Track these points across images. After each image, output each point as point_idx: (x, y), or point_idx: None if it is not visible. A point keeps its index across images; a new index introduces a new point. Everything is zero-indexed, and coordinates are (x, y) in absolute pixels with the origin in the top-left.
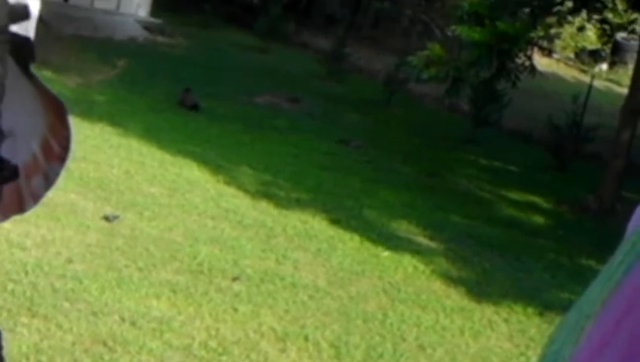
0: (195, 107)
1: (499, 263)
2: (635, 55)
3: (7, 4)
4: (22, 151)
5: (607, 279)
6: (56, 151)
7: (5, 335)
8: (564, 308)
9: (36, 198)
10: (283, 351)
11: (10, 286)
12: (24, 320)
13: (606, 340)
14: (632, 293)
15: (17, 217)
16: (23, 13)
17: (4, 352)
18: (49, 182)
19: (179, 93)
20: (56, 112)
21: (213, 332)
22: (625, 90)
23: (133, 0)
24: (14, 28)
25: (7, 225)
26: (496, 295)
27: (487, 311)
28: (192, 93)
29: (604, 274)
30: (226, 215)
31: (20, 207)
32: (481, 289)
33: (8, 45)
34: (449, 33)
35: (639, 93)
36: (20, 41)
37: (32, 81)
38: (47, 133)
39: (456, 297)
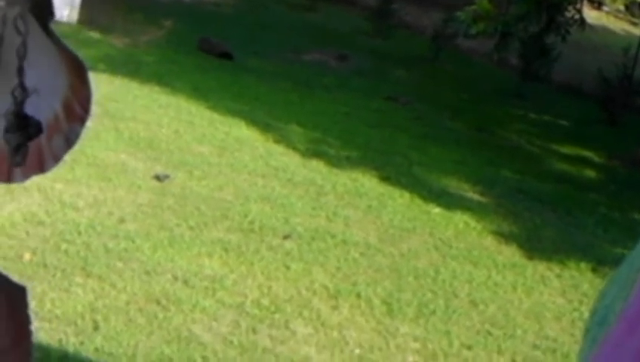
0: (226, 55)
1: (550, 218)
2: None
3: None
4: (45, 109)
5: None
6: (77, 111)
7: (30, 292)
8: (616, 262)
9: (57, 158)
10: (335, 308)
11: (63, 246)
12: (78, 279)
13: None
14: None
15: (69, 178)
16: None
17: (30, 310)
18: (69, 142)
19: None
20: (78, 72)
21: (265, 290)
22: None
23: None
24: None
25: (59, 185)
26: (548, 250)
27: (540, 266)
28: (215, 40)
29: None
30: (275, 173)
31: (41, 167)
32: (532, 244)
33: (29, 3)
34: None
35: None
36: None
37: (52, 39)
38: (68, 92)
39: (507, 253)
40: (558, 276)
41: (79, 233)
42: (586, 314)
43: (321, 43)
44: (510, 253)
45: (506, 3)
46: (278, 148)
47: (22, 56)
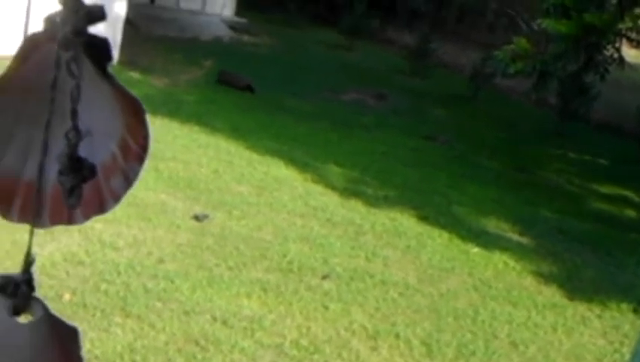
0: (248, 88)
1: (590, 258)
2: None
3: (84, 6)
4: (101, 151)
5: None
6: (134, 150)
7: (82, 334)
8: None
9: (116, 198)
10: (374, 349)
11: (103, 286)
12: (118, 319)
13: None
14: None
15: (109, 218)
16: (99, 15)
17: (83, 352)
18: (128, 182)
19: (266, 93)
20: (134, 112)
21: (304, 331)
22: None
23: (218, 0)
24: (97, 29)
25: (99, 225)
26: (588, 291)
27: (580, 307)
28: (235, 73)
29: None
30: (314, 213)
31: (101, 208)
32: (573, 285)
33: (84, 46)
34: (535, 26)
35: None
36: (98, 42)
37: (109, 82)
38: (125, 132)
39: (547, 293)
40: (599, 317)
41: (119, 273)
42: (627, 356)
43: (359, 82)
44: (550, 294)
45: (544, 42)
46: (317, 188)
47: (75, 99)
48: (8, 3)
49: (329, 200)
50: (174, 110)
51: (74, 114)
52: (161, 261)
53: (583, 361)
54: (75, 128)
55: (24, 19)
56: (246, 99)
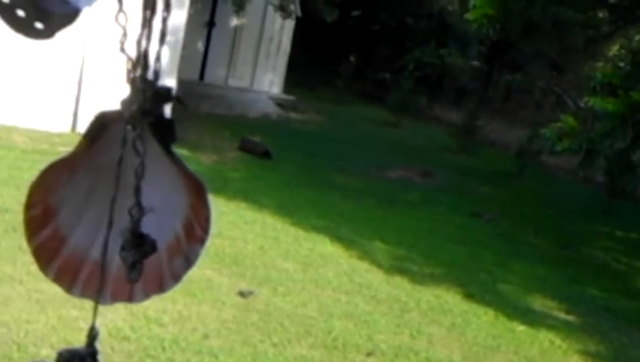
0: (266, 154)
1: (638, 337)
2: None
3: (152, 87)
4: (166, 230)
5: None
6: (197, 232)
7: None
8: None
9: (177, 278)
10: None
11: None
12: None
13: None
14: None
15: None
16: (166, 96)
17: None
18: (189, 263)
19: (313, 170)
20: (197, 192)
21: None
22: None
23: (266, 77)
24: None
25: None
26: None
27: None
28: (253, 139)
29: None
30: (359, 290)
31: (161, 287)
32: None
33: (151, 126)
34: (582, 104)
35: None
36: (164, 122)
37: (174, 161)
38: (189, 213)
39: None
40: None
41: (163, 349)
42: None
43: (406, 159)
44: None
45: (591, 120)
46: (362, 265)
47: (139, 176)
48: (60, 82)
49: (374, 277)
50: (221, 187)
51: (137, 190)
52: (205, 337)
53: None
54: (139, 204)
55: (75, 98)
56: (293, 176)
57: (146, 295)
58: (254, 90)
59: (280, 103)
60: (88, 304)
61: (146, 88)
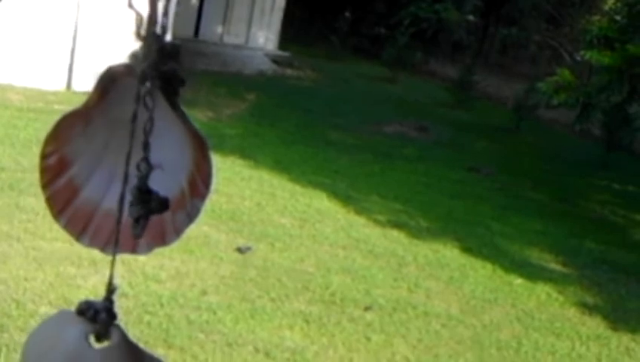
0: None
1: (635, 289)
2: None
3: (158, 42)
4: (173, 184)
5: None
6: (200, 187)
7: None
8: None
9: (178, 233)
10: None
11: (146, 318)
12: (160, 351)
13: None
14: None
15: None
16: (173, 51)
17: None
18: (190, 218)
19: (309, 126)
20: (200, 148)
21: None
22: None
23: (261, 34)
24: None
25: (142, 258)
26: (633, 322)
27: (624, 338)
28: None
29: None
30: (357, 245)
31: (163, 240)
32: (617, 316)
33: (158, 81)
34: (578, 58)
35: None
36: (170, 76)
37: (179, 116)
38: (193, 168)
39: (591, 324)
40: None
41: (161, 305)
42: None
43: (402, 114)
44: (594, 325)
45: (587, 73)
46: (360, 220)
47: (148, 132)
48: (55, 40)
49: (371, 232)
50: (217, 144)
51: (146, 146)
52: (203, 293)
53: None
54: (146, 160)
55: (69, 57)
56: (289, 133)
57: (150, 248)
58: (249, 46)
59: (275, 60)
60: (86, 261)
61: (153, 44)
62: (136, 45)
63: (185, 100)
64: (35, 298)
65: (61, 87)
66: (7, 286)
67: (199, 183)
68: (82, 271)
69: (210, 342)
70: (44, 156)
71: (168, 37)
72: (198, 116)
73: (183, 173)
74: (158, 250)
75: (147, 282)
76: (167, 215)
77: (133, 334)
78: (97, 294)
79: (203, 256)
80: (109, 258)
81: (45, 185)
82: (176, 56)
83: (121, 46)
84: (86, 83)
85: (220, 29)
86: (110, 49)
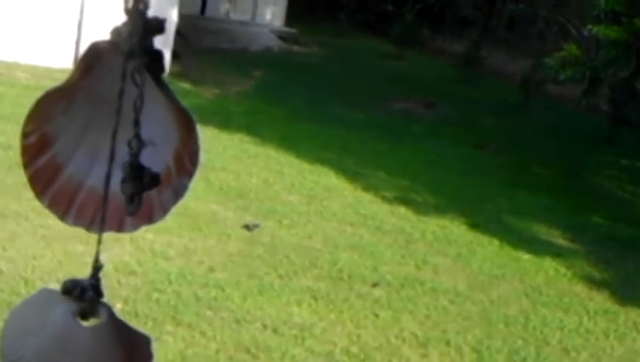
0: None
1: None
2: None
3: (144, 18)
4: (159, 162)
5: None
6: (186, 165)
7: (154, 344)
8: None
9: (165, 211)
10: (425, 356)
11: (154, 295)
12: (169, 328)
13: None
14: None
15: (160, 227)
16: (158, 28)
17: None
18: (177, 196)
19: (316, 103)
20: (187, 125)
21: (354, 338)
22: None
23: (268, 10)
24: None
25: (150, 235)
26: None
27: (632, 313)
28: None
29: None
30: (364, 221)
31: (150, 218)
32: (624, 291)
33: (146, 57)
34: (585, 33)
35: None
36: (153, 53)
37: (164, 93)
38: (179, 145)
39: (599, 299)
40: None
41: (170, 282)
42: None
43: (409, 91)
44: (602, 300)
45: (595, 48)
46: (367, 197)
47: (138, 109)
48: (61, 17)
49: (379, 208)
50: (224, 121)
51: (136, 123)
52: (211, 270)
53: None
54: (137, 137)
55: (76, 34)
56: (296, 110)
57: (135, 226)
58: (256, 23)
59: (282, 36)
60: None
61: (139, 19)
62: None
63: (192, 77)
64: (43, 276)
65: (68, 64)
66: (15, 264)
67: (186, 160)
68: (90, 249)
69: (218, 319)
70: (24, 135)
71: (174, 14)
72: (205, 94)
73: (169, 151)
74: (167, 228)
75: (155, 259)
76: (153, 193)
77: (141, 311)
78: (105, 271)
79: (211, 234)
80: (117, 236)
81: (27, 164)
82: (161, 31)
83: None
84: None
85: (226, 6)
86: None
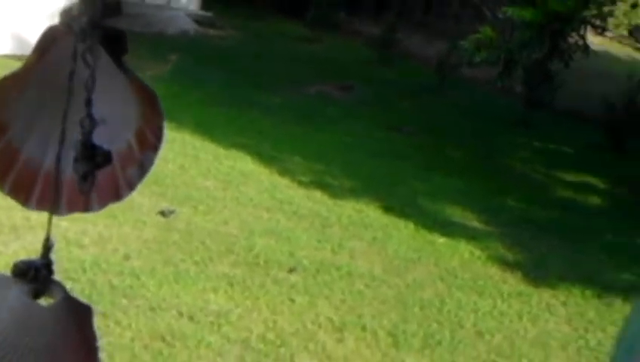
0: None
1: (556, 246)
2: None
3: None
4: (118, 140)
5: None
6: (150, 139)
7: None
8: (623, 289)
9: (131, 186)
10: (340, 341)
11: (68, 284)
12: None
13: None
14: None
15: (74, 215)
16: (115, 8)
17: (95, 329)
18: (143, 170)
19: (232, 87)
20: (149, 102)
21: (270, 325)
22: None
23: None
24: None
25: (64, 222)
26: (553, 278)
27: (545, 294)
28: None
29: None
30: (280, 206)
31: (117, 195)
32: (538, 272)
33: (101, 38)
34: (500, 15)
35: None
36: (114, 33)
37: (125, 73)
38: (141, 122)
39: (513, 282)
40: (564, 304)
41: (84, 270)
42: (592, 342)
43: (325, 74)
44: (515, 282)
45: (509, 30)
46: (283, 181)
47: (90, 89)
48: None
49: (295, 193)
50: None
51: (88, 102)
52: (126, 257)
53: (548, 348)
54: (89, 116)
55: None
56: (212, 94)
57: (102, 204)
58: (172, 7)
59: (198, 20)
60: (6, 228)
61: (95, 0)
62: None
63: None
64: None
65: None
66: None
67: (149, 136)
68: (2, 238)
69: (133, 307)
70: None
71: None
72: None
73: (130, 128)
74: (81, 215)
75: (69, 247)
76: (117, 170)
77: None
78: (18, 259)
79: (126, 221)
80: (30, 223)
81: None
82: (118, 11)
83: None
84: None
85: None
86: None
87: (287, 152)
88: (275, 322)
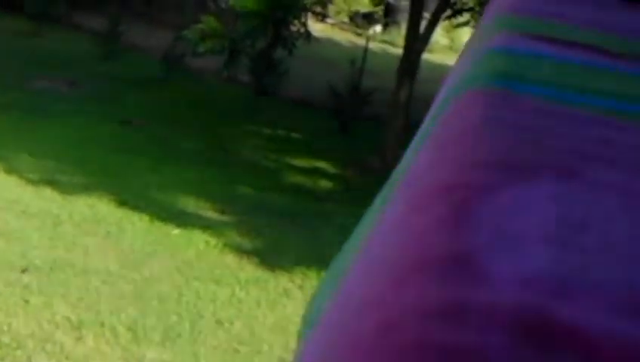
0: None
1: (290, 231)
2: (407, 15)
3: None
4: None
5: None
6: None
7: None
8: None
9: None
10: (79, 339)
11: None
12: None
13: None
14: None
15: None
16: None
17: None
18: None
19: None
20: None
21: (5, 328)
22: (399, 51)
23: None
24: None
25: None
26: (289, 263)
27: (282, 279)
28: None
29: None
30: (9, 206)
31: None
32: (274, 258)
33: None
34: (223, 5)
35: (412, 54)
36: None
37: None
38: None
39: (249, 269)
40: (300, 287)
41: None
42: None
43: (50, 70)
44: (252, 269)
45: (234, 20)
46: (10, 180)
47: None
48: None
49: (23, 191)
50: None
51: None
52: None
53: (287, 333)
54: None
55: None
56: None
57: None
58: None
59: None
60: None
61: None
62: None
63: None
64: None
65: None
66: None
67: None
68: None
69: None
70: None
71: None
72: None
73: None
74: None
75: None
76: None
77: None
78: None
79: None
80: None
81: None
82: None
83: None
84: None
85: None
86: None
87: (13, 150)
88: (9, 325)
